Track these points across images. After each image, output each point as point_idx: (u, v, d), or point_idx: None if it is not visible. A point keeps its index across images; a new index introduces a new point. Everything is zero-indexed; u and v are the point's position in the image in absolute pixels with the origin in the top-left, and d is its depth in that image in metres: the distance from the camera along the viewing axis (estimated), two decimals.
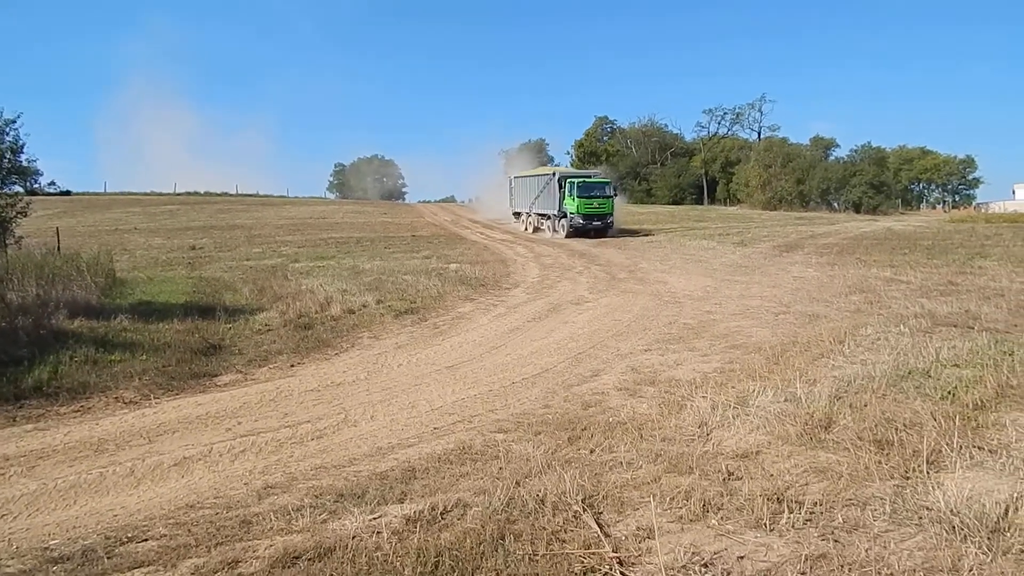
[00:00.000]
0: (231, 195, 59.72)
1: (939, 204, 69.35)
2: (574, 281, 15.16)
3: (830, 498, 4.04)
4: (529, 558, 3.48)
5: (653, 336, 9.27)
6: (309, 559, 3.54)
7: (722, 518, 3.87)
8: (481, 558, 3.47)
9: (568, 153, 78.32)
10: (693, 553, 3.50)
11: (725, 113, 75.16)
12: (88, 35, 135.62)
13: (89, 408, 6.47)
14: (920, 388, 6.03)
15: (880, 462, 4.48)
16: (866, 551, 3.43)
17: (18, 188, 15.28)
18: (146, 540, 3.87)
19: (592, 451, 5.07)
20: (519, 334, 9.65)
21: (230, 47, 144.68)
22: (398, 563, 3.44)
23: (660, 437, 5.27)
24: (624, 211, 28.88)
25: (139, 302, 11.55)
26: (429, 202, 68.76)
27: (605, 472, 4.62)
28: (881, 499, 3.97)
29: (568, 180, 27.73)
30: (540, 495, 4.18)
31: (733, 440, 5.12)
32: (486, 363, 8.03)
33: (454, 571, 3.37)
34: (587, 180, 28.22)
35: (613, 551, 3.53)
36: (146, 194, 56.41)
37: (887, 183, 58.53)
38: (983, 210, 49.33)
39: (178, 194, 57.64)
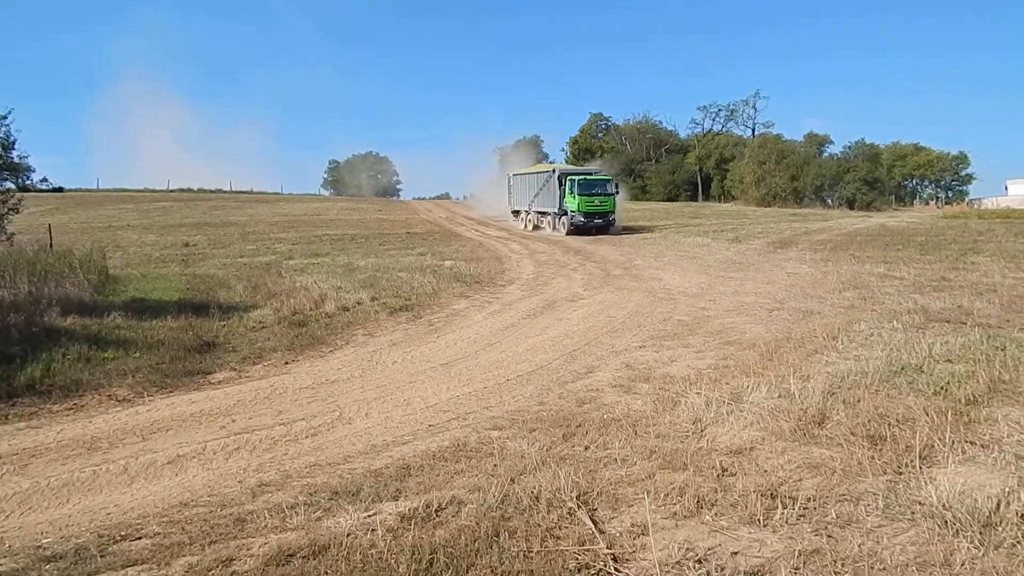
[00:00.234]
0: (225, 192, 59.43)
1: (932, 200, 69.57)
2: (569, 278, 15.17)
3: (823, 494, 4.06)
4: (524, 555, 3.49)
5: (647, 333, 9.29)
6: (303, 557, 3.53)
7: (716, 514, 3.88)
8: (476, 555, 3.48)
9: (563, 150, 78.33)
10: (687, 549, 3.51)
11: (720, 110, 75.15)
12: (81, 31, 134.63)
13: (82, 406, 6.44)
14: (913, 384, 6.07)
15: (873, 457, 4.50)
16: (859, 546, 3.45)
17: (10, 184, 15.23)
18: (140, 538, 3.86)
19: (587, 448, 5.08)
20: (514, 331, 9.65)
21: (223, 43, 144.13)
22: (392, 560, 3.44)
23: (654, 433, 5.28)
24: (619, 208, 28.61)
25: (132, 299, 11.49)
26: (424, 199, 68.64)
27: (600, 469, 4.63)
28: (874, 494, 3.99)
29: (568, 177, 27.25)
30: (535, 492, 4.18)
31: (727, 436, 5.13)
32: (481, 360, 8.03)
33: (449, 568, 3.37)
34: (588, 177, 27.70)
35: (607, 547, 3.54)
36: (139, 191, 56.06)
37: (881, 179, 58.71)
38: (976, 206, 49.58)
39: (171, 191, 57.31)
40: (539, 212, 29.88)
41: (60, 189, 46.64)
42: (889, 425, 5.00)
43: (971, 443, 4.70)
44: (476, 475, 4.62)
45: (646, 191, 68.63)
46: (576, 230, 26.54)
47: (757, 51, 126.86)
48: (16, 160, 14.79)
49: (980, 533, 3.46)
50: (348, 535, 3.73)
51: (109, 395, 6.72)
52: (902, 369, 6.54)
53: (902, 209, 57.43)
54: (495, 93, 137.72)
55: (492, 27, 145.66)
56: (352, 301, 11.42)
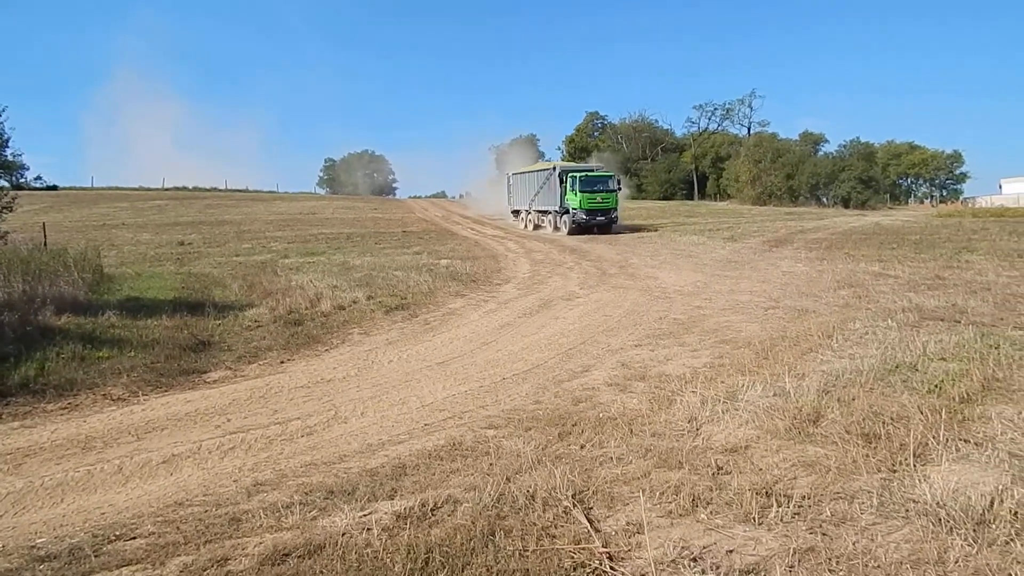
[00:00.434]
0: (220, 190, 59.33)
1: (927, 199, 69.92)
2: (565, 277, 15.18)
3: (818, 492, 4.08)
4: (519, 554, 3.49)
5: (643, 331, 9.30)
6: (299, 556, 3.52)
7: (711, 512, 3.89)
8: (471, 554, 3.48)
9: (559, 149, 78.50)
10: (682, 547, 3.52)
11: (715, 109, 75.54)
12: (76, 30, 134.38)
13: (77, 405, 6.41)
14: (907, 382, 6.09)
15: (868, 455, 4.52)
16: (853, 544, 3.46)
17: (3, 183, 15.16)
18: (134, 538, 3.84)
19: (582, 447, 5.08)
20: (510, 330, 9.65)
21: (222, 43, 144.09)
22: (388, 560, 3.44)
23: (650, 432, 5.29)
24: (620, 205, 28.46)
25: (127, 298, 11.45)
26: (420, 197, 68.70)
27: (595, 467, 4.63)
28: (868, 492, 4.00)
29: (570, 175, 26.93)
30: (530, 491, 4.19)
31: (722, 435, 5.14)
32: (476, 359, 8.03)
33: (444, 567, 3.37)
34: (589, 174, 27.37)
35: (603, 546, 3.54)
36: (134, 189, 55.95)
37: (875, 178, 58.95)
38: (970, 205, 49.88)
39: (166, 189, 57.19)
40: (540, 211, 29.53)
41: (55, 187, 46.47)
42: (883, 423, 5.02)
43: (965, 441, 4.73)
44: (472, 474, 4.62)
45: (642, 190, 68.78)
46: (578, 228, 26.11)
47: (753, 50, 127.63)
48: (10, 158, 14.73)
49: (974, 531, 3.48)
50: (344, 534, 3.72)
51: (104, 394, 6.69)
52: (896, 367, 6.57)
53: (897, 208, 57.64)
54: (491, 92, 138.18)
55: (488, 27, 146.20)
56: (348, 300, 11.40)
